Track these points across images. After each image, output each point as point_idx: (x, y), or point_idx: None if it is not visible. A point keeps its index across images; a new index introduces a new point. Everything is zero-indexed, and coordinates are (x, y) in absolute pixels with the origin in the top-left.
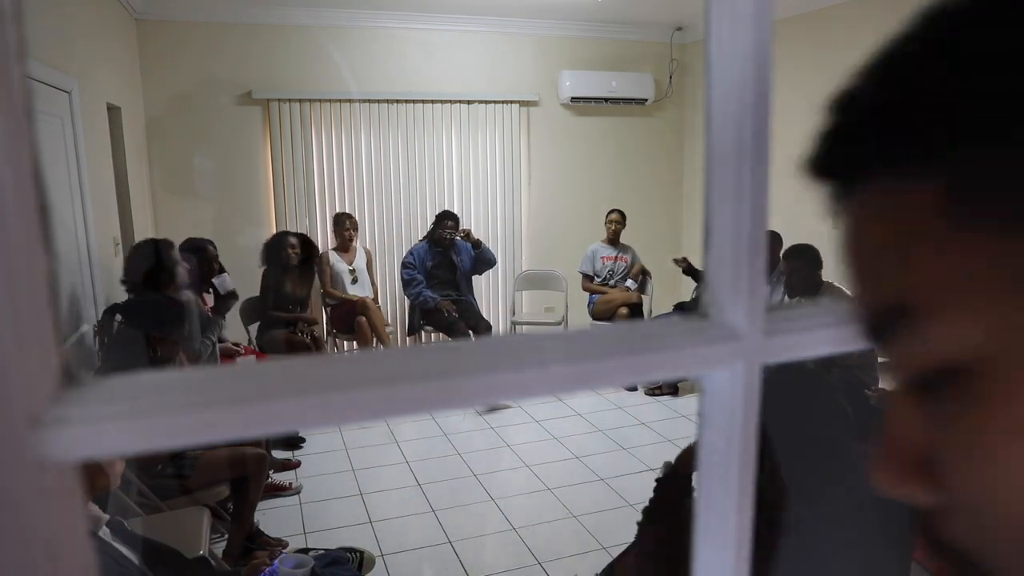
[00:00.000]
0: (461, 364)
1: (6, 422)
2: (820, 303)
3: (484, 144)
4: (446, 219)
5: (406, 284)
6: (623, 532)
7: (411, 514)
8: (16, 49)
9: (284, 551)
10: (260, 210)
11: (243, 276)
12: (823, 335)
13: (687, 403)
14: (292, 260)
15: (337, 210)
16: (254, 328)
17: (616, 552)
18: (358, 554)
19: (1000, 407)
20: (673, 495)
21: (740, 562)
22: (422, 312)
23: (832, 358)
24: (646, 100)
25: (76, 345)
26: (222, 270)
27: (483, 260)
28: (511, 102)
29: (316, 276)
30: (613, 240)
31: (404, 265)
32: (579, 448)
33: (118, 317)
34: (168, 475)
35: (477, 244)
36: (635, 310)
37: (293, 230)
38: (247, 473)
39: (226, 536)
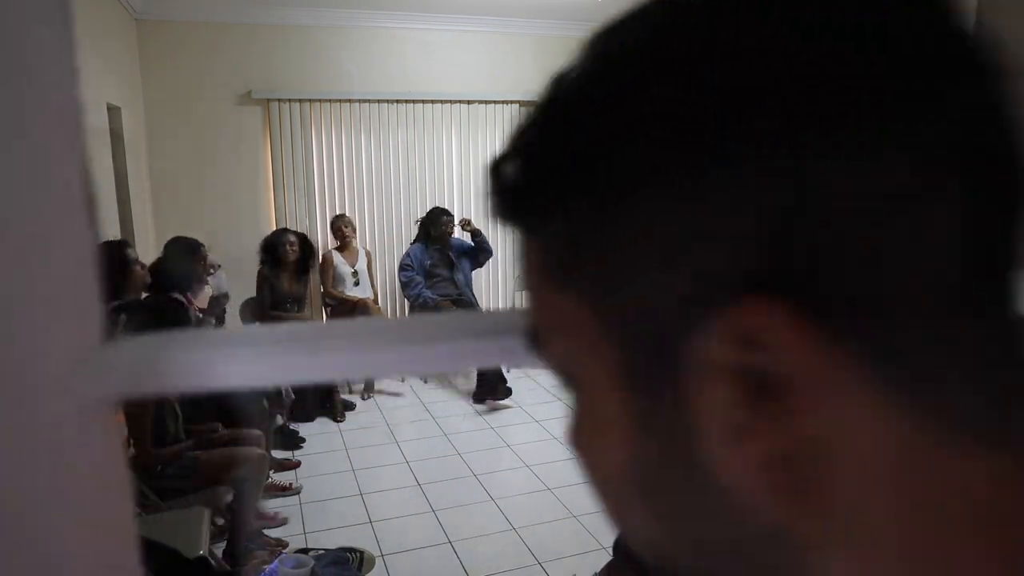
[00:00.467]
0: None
1: (58, 365)
2: None
3: (484, 144)
4: (442, 215)
5: (404, 286)
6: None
7: (411, 514)
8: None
9: (284, 551)
10: (260, 210)
11: (243, 277)
12: None
13: None
14: (290, 257)
15: (337, 210)
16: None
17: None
18: (358, 554)
19: (585, 414)
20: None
21: None
22: (422, 312)
23: None
24: None
25: None
26: (212, 268)
27: (484, 250)
28: (511, 102)
29: (311, 275)
30: None
31: (402, 268)
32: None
33: (122, 316)
34: (168, 475)
35: (477, 233)
36: None
37: (293, 229)
38: (248, 473)
39: (226, 536)
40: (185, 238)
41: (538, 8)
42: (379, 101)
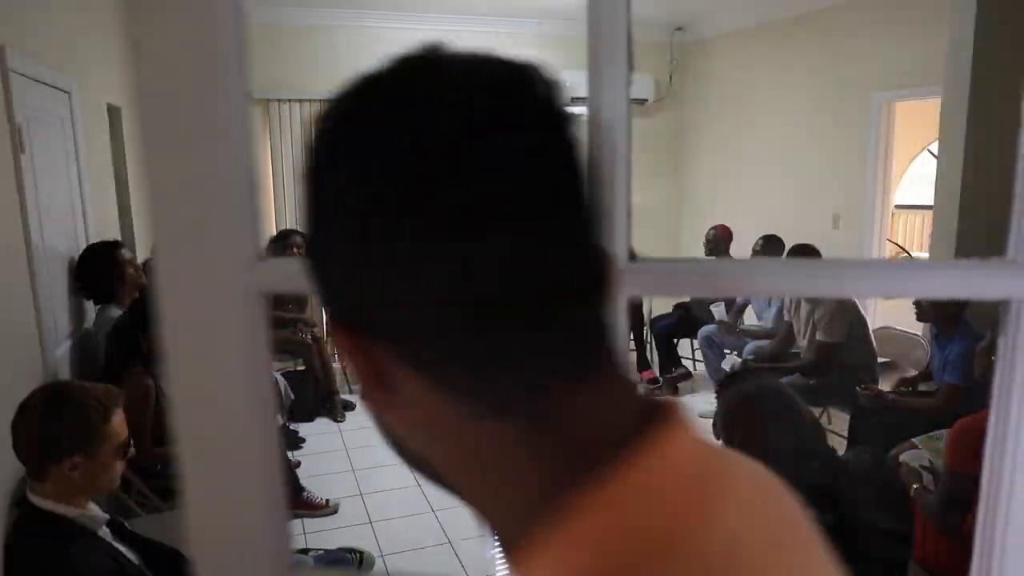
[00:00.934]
0: None
1: (234, 269)
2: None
3: None
4: None
5: None
6: None
7: (411, 514)
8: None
9: None
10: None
11: None
12: None
13: (687, 403)
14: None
15: None
16: None
17: None
18: (358, 554)
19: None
20: None
21: None
22: None
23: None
24: (646, 100)
25: (78, 343)
26: None
27: None
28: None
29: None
30: None
31: None
32: None
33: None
34: (168, 475)
35: None
36: (634, 311)
37: (299, 230)
38: None
39: None
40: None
41: (538, 8)
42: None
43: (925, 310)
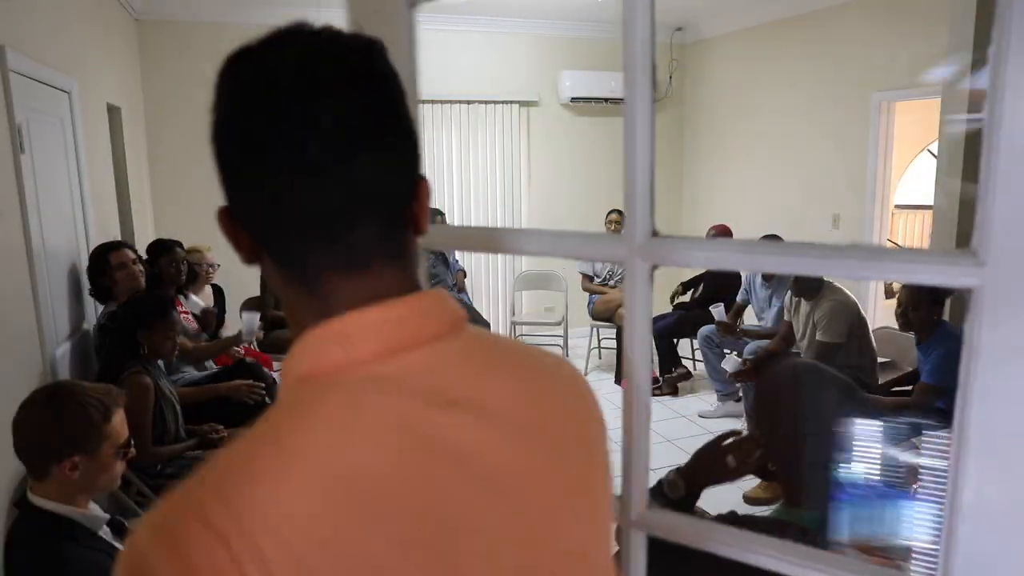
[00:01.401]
0: None
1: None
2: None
3: (484, 144)
4: (436, 215)
5: None
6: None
7: None
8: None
9: None
10: None
11: (243, 276)
12: None
13: (687, 403)
14: None
15: None
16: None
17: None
18: None
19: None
20: None
21: None
22: None
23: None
24: None
25: (78, 343)
26: (193, 274)
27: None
28: (511, 102)
29: None
30: None
31: None
32: None
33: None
34: (168, 475)
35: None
36: None
37: None
38: None
39: None
40: (165, 240)
41: (538, 8)
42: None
43: (909, 320)
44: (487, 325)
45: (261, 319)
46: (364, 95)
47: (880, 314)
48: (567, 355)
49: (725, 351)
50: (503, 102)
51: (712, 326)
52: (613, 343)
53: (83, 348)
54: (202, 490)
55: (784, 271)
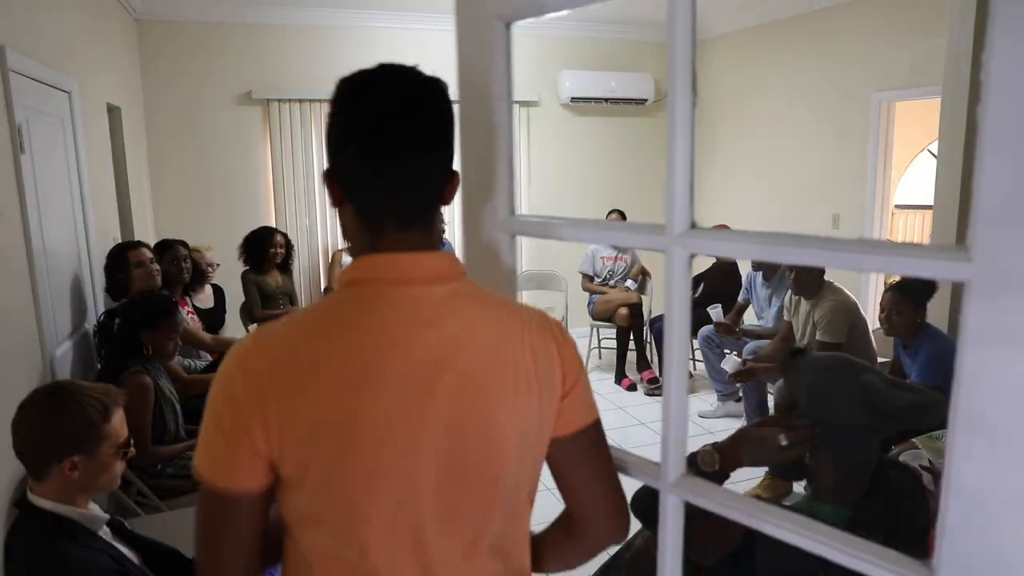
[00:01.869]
0: None
1: (499, 220)
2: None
3: None
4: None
5: None
6: None
7: None
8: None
9: None
10: (260, 210)
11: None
12: None
13: (687, 403)
14: (277, 258)
15: (336, 209)
16: (253, 328)
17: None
18: None
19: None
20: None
21: None
22: None
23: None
24: (646, 100)
25: (78, 343)
26: (198, 273)
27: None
28: (511, 102)
29: (291, 269)
30: None
31: None
32: None
33: (116, 320)
34: (168, 474)
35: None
36: (635, 310)
37: (273, 227)
38: None
39: None
40: (169, 240)
41: None
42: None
43: (893, 323)
44: None
45: (251, 320)
46: (417, 121)
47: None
48: None
49: (725, 351)
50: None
51: (712, 326)
52: (613, 343)
53: (83, 348)
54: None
55: (800, 262)
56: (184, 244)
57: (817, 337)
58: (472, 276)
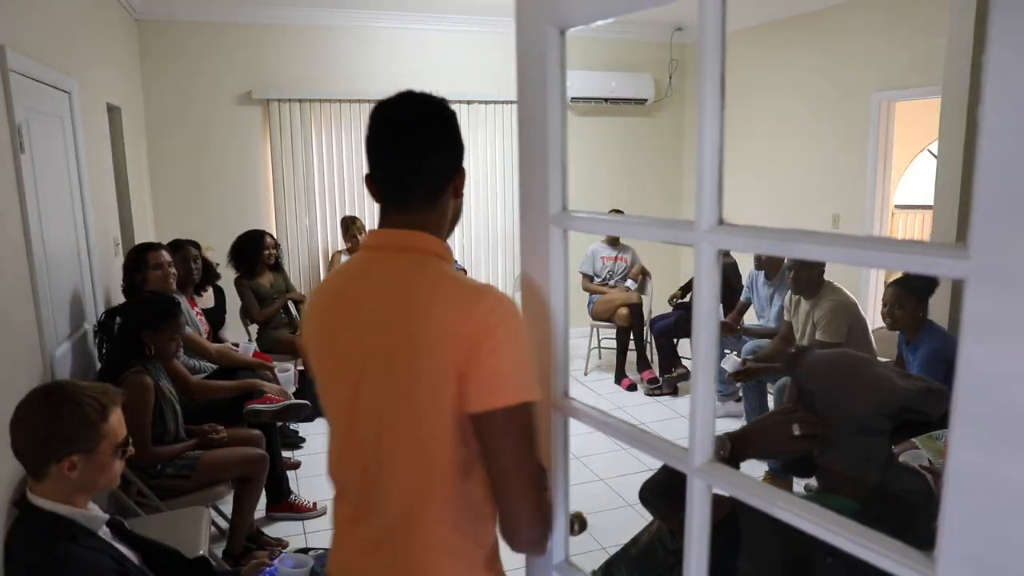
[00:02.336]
0: None
1: (551, 216)
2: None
3: (484, 144)
4: None
5: None
6: (623, 532)
7: None
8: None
9: (284, 551)
10: (260, 210)
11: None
12: None
13: (687, 403)
14: (269, 260)
15: (337, 209)
16: (254, 329)
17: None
18: None
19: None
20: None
21: None
22: None
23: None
24: (646, 100)
25: (78, 343)
26: (208, 272)
27: None
28: (511, 102)
29: (284, 269)
30: (612, 240)
31: None
32: (579, 448)
33: (117, 319)
34: (168, 475)
35: None
36: (635, 310)
37: (260, 229)
38: (248, 474)
39: (226, 536)
40: (180, 240)
41: None
42: (379, 101)
43: (896, 318)
44: None
45: (252, 321)
46: (407, 132)
47: (879, 314)
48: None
49: (725, 351)
50: (503, 102)
51: None
52: (613, 343)
53: (83, 348)
54: None
55: (812, 258)
56: (195, 244)
57: (817, 337)
58: (526, 269)
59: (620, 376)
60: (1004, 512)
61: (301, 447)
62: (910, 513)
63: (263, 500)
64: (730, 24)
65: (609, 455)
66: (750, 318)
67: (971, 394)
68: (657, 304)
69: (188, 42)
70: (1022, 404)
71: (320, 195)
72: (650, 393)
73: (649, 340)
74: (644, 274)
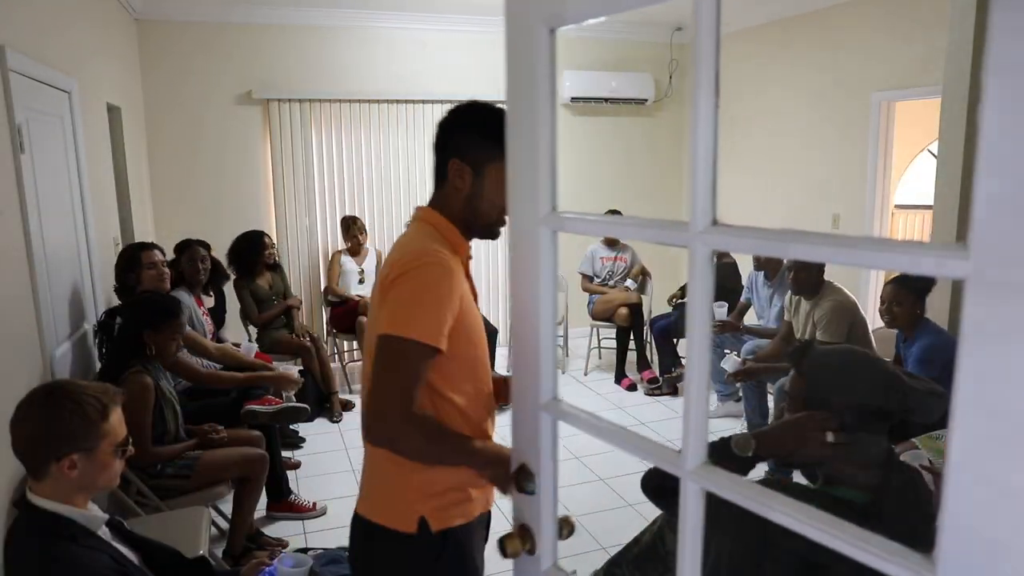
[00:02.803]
0: None
1: (540, 216)
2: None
3: None
4: None
5: None
6: (623, 532)
7: None
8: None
9: (283, 550)
10: (260, 210)
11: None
12: None
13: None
14: (270, 260)
15: (337, 209)
16: (254, 329)
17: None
18: None
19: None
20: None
21: None
22: None
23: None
24: (646, 100)
25: (78, 343)
26: (217, 276)
27: None
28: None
29: (282, 266)
30: (612, 241)
31: None
32: (579, 448)
33: (118, 319)
34: (168, 475)
35: None
36: (635, 310)
37: (261, 231)
38: (248, 474)
39: (226, 536)
40: (189, 239)
41: None
42: (379, 101)
43: (894, 315)
44: (494, 331)
45: (252, 323)
46: (438, 134)
47: (878, 313)
48: (567, 355)
49: (725, 351)
50: (503, 102)
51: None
52: (613, 343)
53: (82, 348)
54: None
55: (810, 258)
56: (204, 244)
57: (818, 336)
58: (515, 270)
59: (620, 376)
60: (1005, 515)
61: (301, 447)
62: (916, 506)
63: (263, 500)
64: (731, 24)
65: (609, 455)
66: (750, 319)
67: (971, 395)
68: (657, 304)
69: (188, 42)
70: (1023, 406)
71: (320, 195)
72: (650, 393)
73: (649, 340)
74: (644, 274)
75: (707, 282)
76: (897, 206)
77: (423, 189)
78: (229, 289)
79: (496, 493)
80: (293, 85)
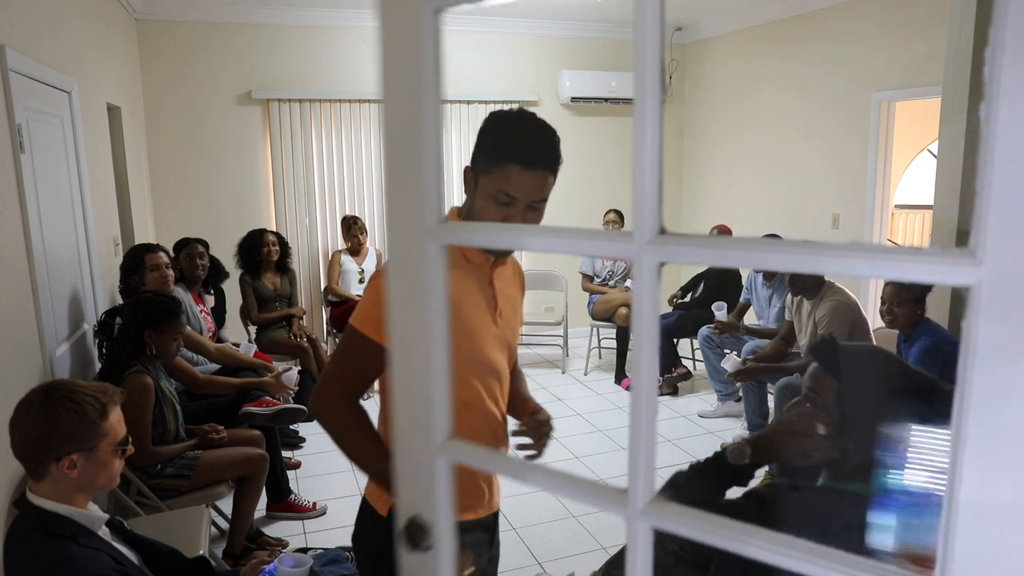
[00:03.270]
0: None
1: (427, 229)
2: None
3: None
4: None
5: None
6: (622, 532)
7: None
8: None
9: (283, 550)
10: (260, 210)
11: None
12: None
13: (687, 403)
14: (272, 257)
15: (337, 209)
16: (253, 329)
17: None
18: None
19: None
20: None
21: None
22: None
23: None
24: None
25: (77, 343)
26: (216, 274)
27: None
28: (511, 102)
29: (293, 271)
30: None
31: None
32: (579, 448)
33: (117, 319)
34: (168, 475)
35: None
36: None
37: (272, 229)
38: (248, 474)
39: (226, 536)
40: (188, 238)
41: (538, 8)
42: (379, 101)
43: (895, 315)
44: None
45: (250, 322)
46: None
47: (879, 313)
48: (567, 355)
49: (725, 351)
50: (503, 102)
51: (711, 326)
52: (613, 343)
53: (82, 348)
54: None
55: (785, 269)
56: (203, 243)
57: (818, 336)
58: (397, 290)
59: (620, 376)
60: (1011, 537)
61: (301, 447)
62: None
63: (263, 500)
64: (730, 24)
65: (610, 455)
66: (750, 319)
67: (979, 410)
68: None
69: (188, 42)
70: None
71: (320, 195)
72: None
73: None
74: None
75: (653, 296)
76: (897, 206)
77: None
78: (229, 289)
79: (496, 503)
80: (293, 85)
